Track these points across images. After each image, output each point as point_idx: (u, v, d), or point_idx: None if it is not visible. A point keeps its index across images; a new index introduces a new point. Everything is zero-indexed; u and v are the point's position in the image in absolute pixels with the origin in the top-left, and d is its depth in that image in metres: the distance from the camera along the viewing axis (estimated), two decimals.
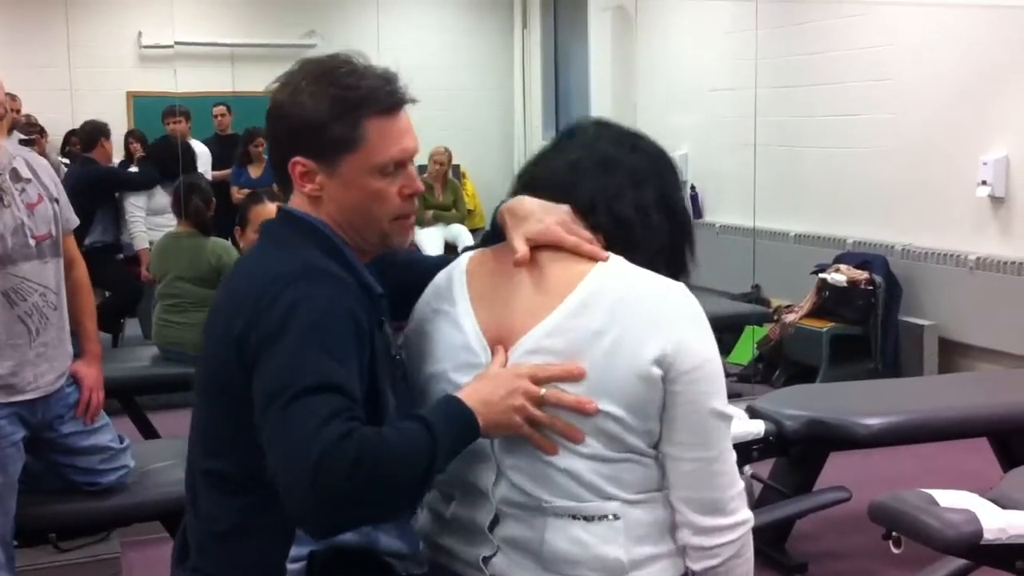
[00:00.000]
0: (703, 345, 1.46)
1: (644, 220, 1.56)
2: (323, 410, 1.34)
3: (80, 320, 2.99)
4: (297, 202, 1.56)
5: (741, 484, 1.51)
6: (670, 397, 1.45)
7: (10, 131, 2.84)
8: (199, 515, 1.57)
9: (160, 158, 6.37)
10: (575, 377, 1.44)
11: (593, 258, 1.50)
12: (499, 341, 1.50)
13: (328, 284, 1.46)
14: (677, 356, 1.43)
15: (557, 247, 1.51)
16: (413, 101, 1.55)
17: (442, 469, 1.43)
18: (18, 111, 5.90)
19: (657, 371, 1.43)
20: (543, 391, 1.44)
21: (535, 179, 1.61)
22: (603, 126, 1.66)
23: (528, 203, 1.55)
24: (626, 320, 1.44)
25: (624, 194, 1.56)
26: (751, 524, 1.51)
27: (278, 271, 1.47)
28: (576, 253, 1.50)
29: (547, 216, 1.53)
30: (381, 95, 1.51)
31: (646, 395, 1.44)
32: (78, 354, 2.98)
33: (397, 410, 1.52)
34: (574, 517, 1.46)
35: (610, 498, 1.47)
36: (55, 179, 2.94)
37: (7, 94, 2.85)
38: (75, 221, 2.99)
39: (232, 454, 1.50)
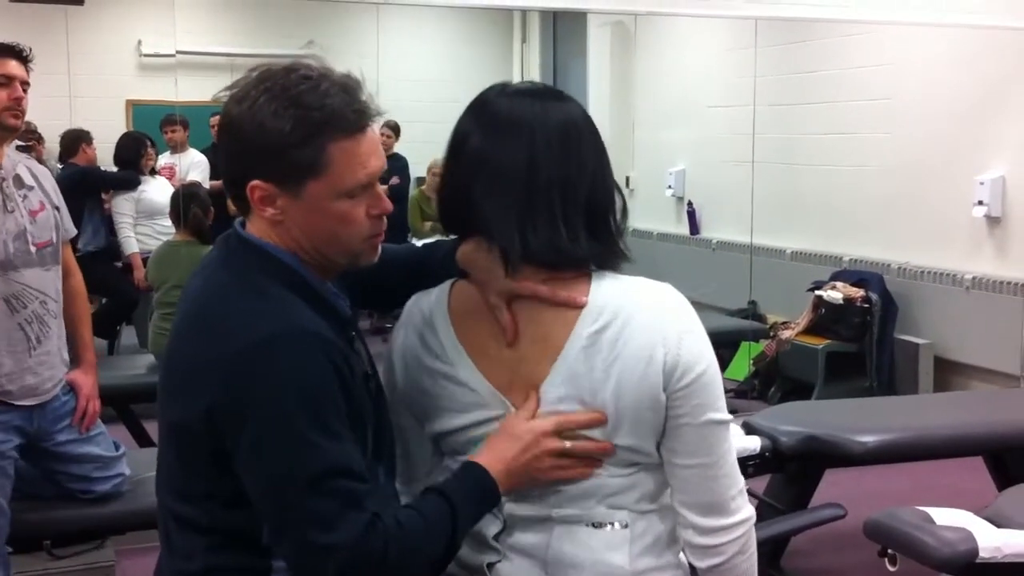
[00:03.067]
0: (698, 357, 1.45)
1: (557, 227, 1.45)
2: (336, 504, 1.33)
3: (76, 328, 2.99)
4: (256, 224, 1.46)
5: (742, 482, 1.51)
6: (668, 411, 1.45)
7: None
8: (172, 551, 1.52)
9: (123, 155, 6.35)
10: (598, 423, 1.43)
11: (571, 305, 1.45)
12: (515, 391, 1.47)
13: (310, 346, 1.37)
14: (674, 375, 1.43)
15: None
16: (379, 114, 1.45)
17: (461, 542, 1.44)
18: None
19: (663, 397, 1.44)
20: (568, 444, 1.44)
21: (445, 212, 1.53)
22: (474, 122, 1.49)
23: (483, 258, 1.48)
24: (627, 357, 1.43)
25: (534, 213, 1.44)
26: (753, 520, 1.52)
27: (251, 335, 1.36)
28: (555, 304, 1.46)
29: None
30: (347, 115, 1.40)
31: (655, 419, 1.45)
32: (74, 362, 2.98)
33: (374, 427, 1.48)
34: (582, 523, 1.47)
35: (619, 507, 1.48)
36: (56, 187, 2.96)
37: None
38: (73, 231, 3.02)
39: (197, 501, 1.45)
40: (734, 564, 1.49)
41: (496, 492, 1.44)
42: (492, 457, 1.45)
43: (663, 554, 1.51)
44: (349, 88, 1.43)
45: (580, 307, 1.44)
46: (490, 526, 1.50)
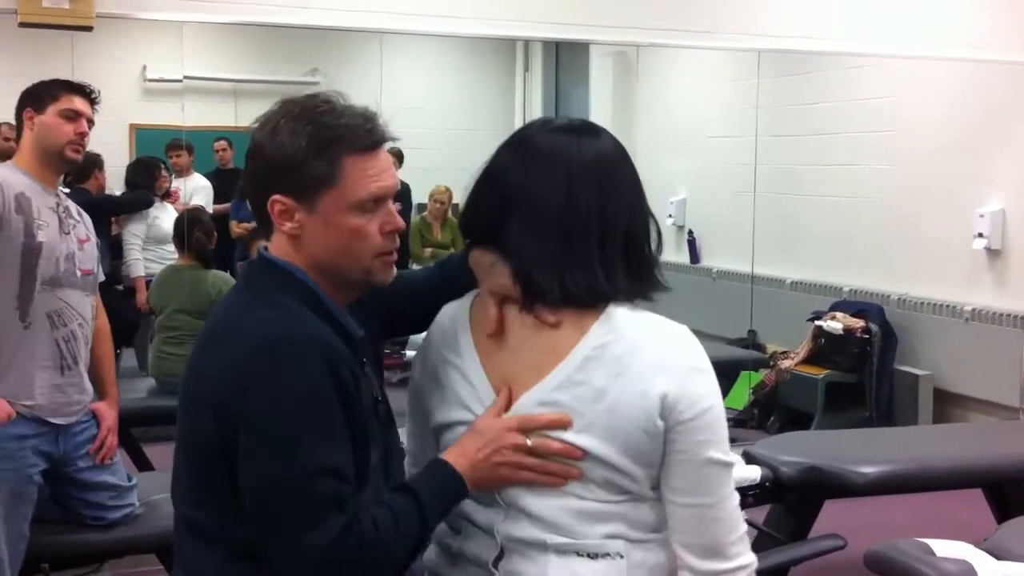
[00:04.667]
0: (704, 394, 1.46)
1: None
2: (320, 504, 1.39)
3: (102, 363, 3.12)
4: (276, 243, 1.55)
5: (743, 528, 1.50)
6: (668, 445, 1.45)
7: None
8: (183, 563, 1.58)
9: (136, 179, 6.37)
10: (564, 425, 1.46)
11: (543, 322, 1.49)
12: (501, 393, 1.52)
13: (311, 351, 1.44)
14: (677, 406, 1.44)
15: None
16: (393, 140, 1.55)
17: (429, 536, 1.52)
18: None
19: (660, 423, 1.44)
20: (530, 442, 1.46)
21: (469, 229, 1.61)
22: (515, 150, 1.56)
23: (487, 259, 1.55)
24: (630, 374, 1.44)
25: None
26: (754, 568, 1.51)
27: (260, 339, 1.44)
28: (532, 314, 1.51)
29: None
30: (360, 132, 1.50)
31: (650, 446, 1.45)
32: (98, 395, 3.07)
33: (382, 452, 1.53)
34: (578, 554, 1.47)
35: (613, 536, 1.47)
36: (92, 226, 3.10)
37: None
38: (102, 275, 3.15)
39: (208, 509, 1.51)
40: None
41: (463, 488, 1.49)
42: (458, 453, 1.51)
43: None
44: (367, 112, 1.52)
45: (551, 324, 1.49)
46: (488, 551, 1.51)
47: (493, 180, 1.54)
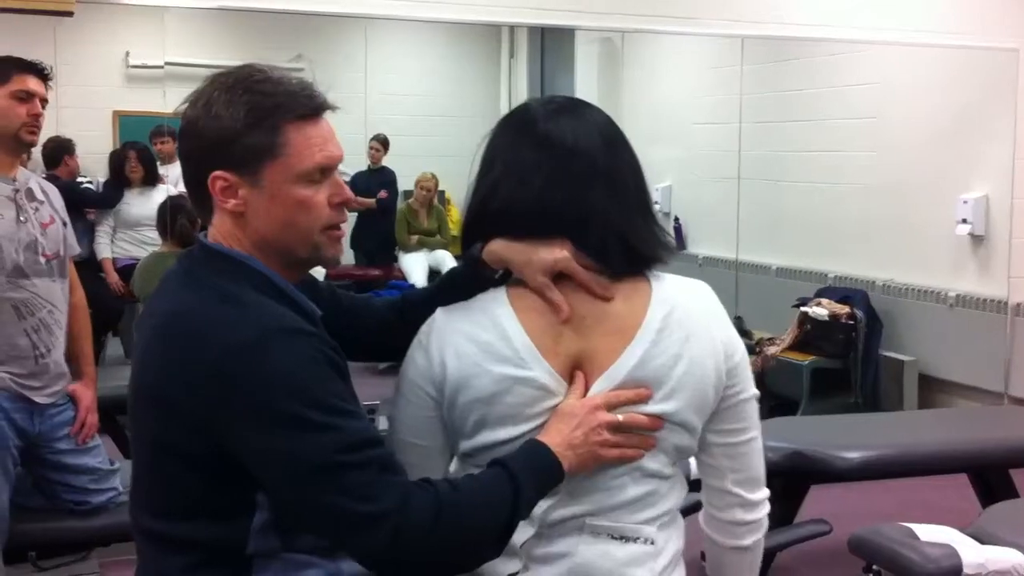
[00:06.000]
0: (737, 338, 1.55)
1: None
2: (369, 474, 1.32)
3: (78, 343, 3.06)
4: (219, 224, 1.46)
5: None
6: (726, 390, 1.52)
7: None
8: (144, 571, 1.51)
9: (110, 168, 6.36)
10: (646, 398, 1.46)
11: (602, 297, 1.47)
12: (574, 377, 1.48)
13: (286, 341, 1.35)
14: (729, 351, 1.51)
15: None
16: (333, 108, 1.47)
17: (525, 517, 1.42)
18: None
19: (724, 374, 1.51)
20: (620, 417, 1.46)
21: (504, 215, 1.51)
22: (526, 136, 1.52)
23: (517, 246, 1.49)
24: (697, 334, 1.49)
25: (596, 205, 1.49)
26: None
27: (226, 341, 1.34)
28: (588, 290, 1.47)
29: (549, 250, 1.47)
30: (300, 99, 1.43)
31: (714, 398, 1.52)
32: (75, 376, 3.03)
33: None
34: (611, 536, 1.48)
35: (648, 521, 1.50)
36: (63, 204, 3.02)
37: None
38: (77, 248, 3.08)
39: (182, 520, 1.42)
40: (762, 539, 1.61)
41: (559, 469, 1.42)
42: (551, 436, 1.43)
43: (678, 569, 1.54)
44: (303, 82, 1.46)
45: (608, 300, 1.47)
46: (521, 532, 1.44)
47: (558, 174, 1.47)
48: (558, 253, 1.46)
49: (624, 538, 1.48)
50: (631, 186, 1.52)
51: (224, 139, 1.41)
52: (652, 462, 1.49)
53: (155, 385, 1.41)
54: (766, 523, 1.60)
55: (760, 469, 1.59)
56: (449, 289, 1.57)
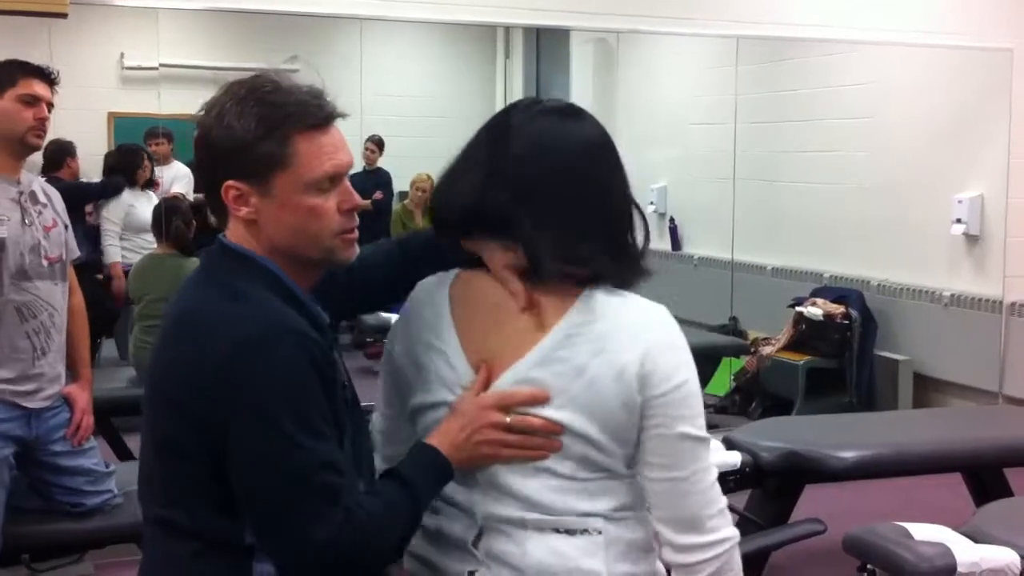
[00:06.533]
0: (677, 368, 1.48)
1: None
2: (314, 501, 1.39)
3: (75, 345, 3.07)
4: (233, 230, 1.51)
5: (723, 503, 1.52)
6: (644, 420, 1.47)
7: None
8: (152, 560, 1.56)
9: (117, 166, 6.30)
10: (541, 400, 1.48)
11: (523, 304, 1.51)
12: (481, 369, 1.53)
13: (292, 345, 1.42)
14: (652, 379, 1.46)
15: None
16: (343, 116, 1.51)
17: (423, 513, 1.51)
18: None
19: (638, 398, 1.46)
20: (509, 419, 1.48)
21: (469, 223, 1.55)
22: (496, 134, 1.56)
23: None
24: (610, 350, 1.46)
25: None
26: (735, 541, 1.52)
27: (233, 336, 1.41)
28: (516, 298, 1.51)
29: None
30: (310, 109, 1.47)
31: (628, 422, 1.47)
32: (71, 378, 3.04)
33: (351, 437, 1.52)
34: (556, 531, 1.49)
35: (590, 514, 1.49)
36: (64, 207, 3.04)
37: None
38: (77, 252, 3.09)
39: (182, 507, 1.49)
40: None
41: (448, 469, 1.50)
42: (440, 435, 1.51)
43: (640, 560, 1.53)
44: (313, 90, 1.49)
45: (522, 309, 1.50)
46: (467, 530, 1.52)
47: (497, 174, 1.51)
48: (515, 260, 1.51)
49: (569, 531, 1.49)
50: (593, 204, 1.51)
51: (235, 149, 1.45)
52: (561, 467, 1.49)
53: (166, 377, 1.48)
54: (706, 569, 1.48)
55: (692, 512, 1.48)
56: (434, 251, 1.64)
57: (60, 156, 6.34)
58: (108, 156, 6.45)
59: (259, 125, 1.44)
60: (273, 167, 1.45)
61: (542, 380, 1.48)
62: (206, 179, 1.51)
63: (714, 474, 1.52)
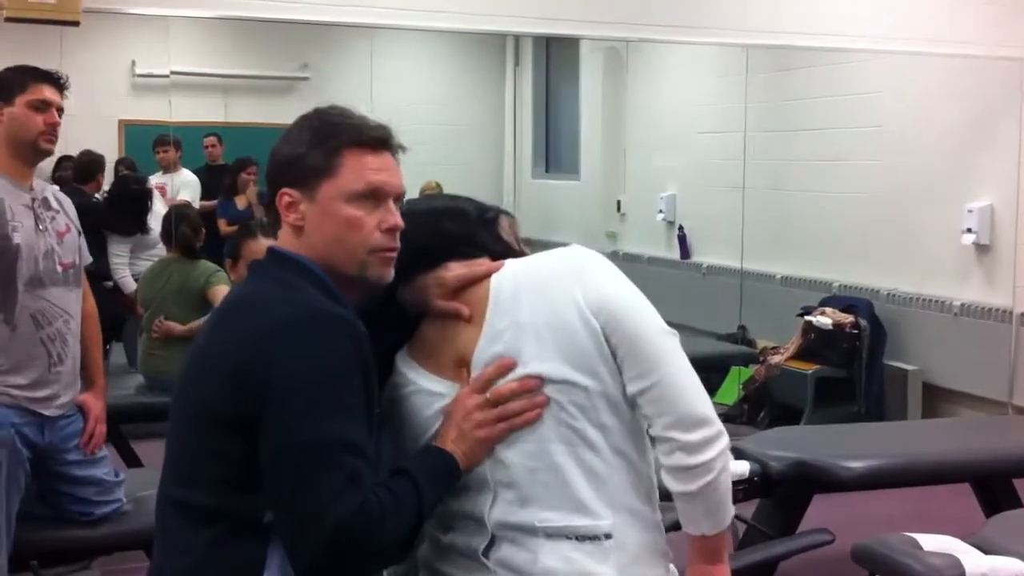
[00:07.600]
0: (610, 287, 1.57)
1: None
2: (338, 477, 1.42)
3: (89, 350, 3.07)
4: (283, 237, 1.61)
5: (708, 398, 1.57)
6: (610, 342, 1.53)
7: None
8: (168, 548, 1.58)
9: (117, 201, 6.18)
10: (508, 368, 1.55)
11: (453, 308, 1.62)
12: (467, 377, 1.59)
13: (334, 328, 1.49)
14: (597, 306, 1.54)
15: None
16: (402, 148, 1.62)
17: (430, 515, 1.55)
18: None
19: (595, 322, 1.53)
20: (487, 395, 1.55)
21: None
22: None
23: (420, 279, 1.66)
24: (548, 293, 1.56)
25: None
26: (727, 438, 1.58)
27: (283, 313, 1.50)
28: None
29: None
30: (364, 129, 1.58)
31: (595, 349, 1.53)
32: (85, 384, 3.04)
33: (375, 432, 1.55)
34: (567, 537, 1.51)
35: (601, 517, 1.51)
36: (76, 215, 3.04)
37: None
38: (89, 258, 3.08)
39: (208, 485, 1.52)
40: (721, 481, 1.54)
41: (455, 466, 1.55)
42: (439, 439, 1.58)
43: (649, 565, 1.55)
44: (377, 121, 1.60)
45: (454, 311, 1.61)
46: (479, 539, 1.54)
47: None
48: (455, 273, 1.64)
49: (579, 538, 1.51)
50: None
51: (291, 159, 1.58)
52: (559, 426, 1.53)
53: (208, 353, 1.55)
54: (718, 466, 1.53)
55: (691, 407, 1.53)
56: None
57: (92, 170, 6.33)
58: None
59: (313, 137, 1.57)
60: (320, 175, 1.55)
61: (503, 351, 1.55)
62: (270, 191, 1.62)
63: (694, 373, 1.57)
